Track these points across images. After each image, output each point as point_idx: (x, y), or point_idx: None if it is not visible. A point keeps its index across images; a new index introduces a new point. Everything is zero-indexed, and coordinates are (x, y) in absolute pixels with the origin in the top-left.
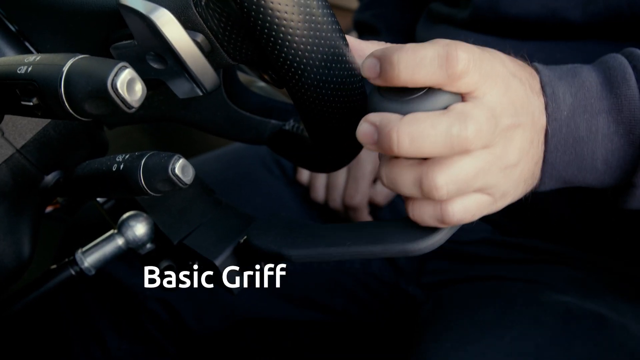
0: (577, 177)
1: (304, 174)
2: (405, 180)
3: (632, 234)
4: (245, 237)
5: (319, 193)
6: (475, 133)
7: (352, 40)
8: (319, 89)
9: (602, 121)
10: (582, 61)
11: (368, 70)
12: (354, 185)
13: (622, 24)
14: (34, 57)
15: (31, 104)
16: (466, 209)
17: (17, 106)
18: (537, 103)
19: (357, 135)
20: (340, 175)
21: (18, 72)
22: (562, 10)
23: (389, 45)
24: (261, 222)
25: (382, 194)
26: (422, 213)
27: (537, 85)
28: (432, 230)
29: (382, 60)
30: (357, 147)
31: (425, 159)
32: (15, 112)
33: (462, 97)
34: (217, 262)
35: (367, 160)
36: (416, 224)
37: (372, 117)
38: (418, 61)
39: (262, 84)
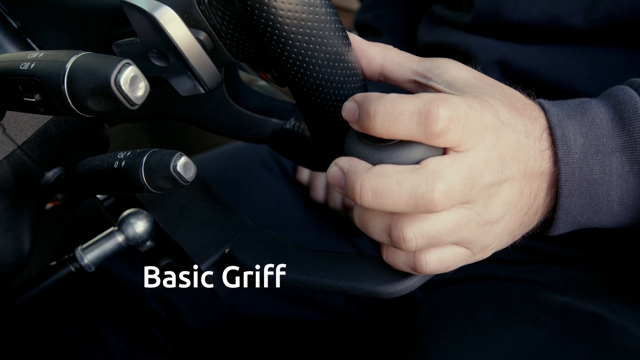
0: (592, 220)
1: (304, 174)
2: (375, 226)
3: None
4: (229, 248)
5: (319, 193)
6: (443, 195)
7: (355, 39)
8: (321, 87)
9: (615, 161)
10: (584, 64)
11: (348, 114)
12: None
13: (624, 30)
14: (37, 54)
15: (34, 100)
16: (441, 260)
17: (20, 102)
18: (533, 150)
19: (327, 178)
20: None
21: (21, 68)
22: (564, 16)
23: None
24: (247, 235)
25: None
26: (394, 258)
27: (538, 130)
28: (406, 274)
29: (360, 107)
30: None
31: None
32: (17, 108)
33: (444, 149)
34: (203, 267)
35: None
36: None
37: (342, 162)
38: (396, 115)
39: (263, 82)
